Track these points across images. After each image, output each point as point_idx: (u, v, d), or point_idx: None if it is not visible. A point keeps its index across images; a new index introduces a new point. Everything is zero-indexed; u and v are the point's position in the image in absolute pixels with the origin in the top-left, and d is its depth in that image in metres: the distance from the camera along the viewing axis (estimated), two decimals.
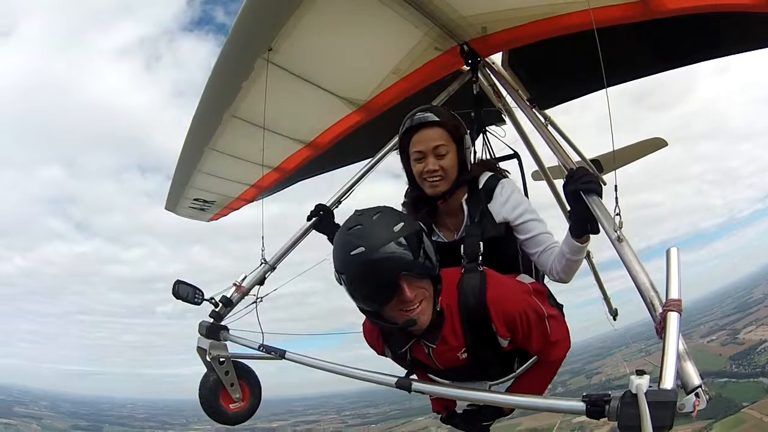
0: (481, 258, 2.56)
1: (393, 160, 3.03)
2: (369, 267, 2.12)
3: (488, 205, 2.78)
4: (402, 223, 2.19)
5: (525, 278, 2.81)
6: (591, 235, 2.49)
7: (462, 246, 2.65)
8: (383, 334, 2.67)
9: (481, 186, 2.84)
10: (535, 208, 2.84)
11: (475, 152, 3.42)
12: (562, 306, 3.07)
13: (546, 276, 2.89)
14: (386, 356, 2.77)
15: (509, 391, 2.76)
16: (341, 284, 2.27)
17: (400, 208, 3.02)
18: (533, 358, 2.71)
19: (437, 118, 2.68)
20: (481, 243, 2.62)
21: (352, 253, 2.13)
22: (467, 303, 2.40)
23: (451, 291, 2.43)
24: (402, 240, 2.14)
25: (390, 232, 2.14)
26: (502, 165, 3.60)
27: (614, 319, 6.71)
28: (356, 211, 2.36)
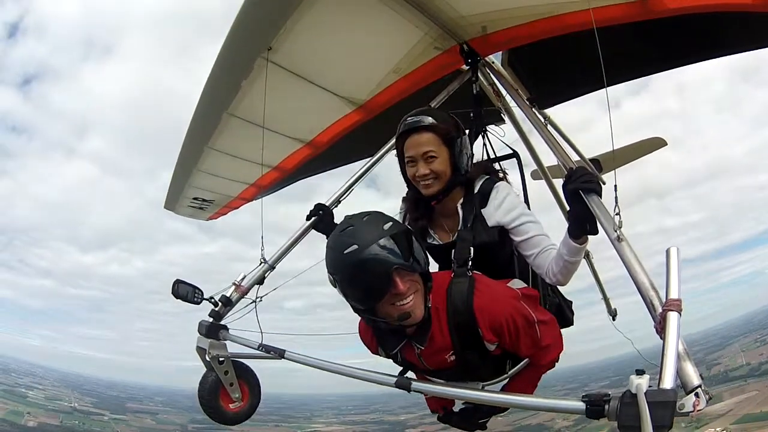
0: (471, 263, 2.59)
1: (392, 160, 3.03)
2: (363, 263, 2.21)
3: (483, 209, 2.79)
4: (390, 223, 2.31)
5: (517, 283, 2.81)
6: (589, 237, 2.48)
7: (453, 250, 2.68)
8: (376, 335, 2.69)
9: (476, 190, 2.85)
10: (532, 210, 2.84)
11: (472, 154, 3.42)
12: (570, 303, 3.09)
13: (544, 278, 2.88)
14: (380, 355, 2.79)
15: (502, 390, 2.78)
16: (335, 286, 2.36)
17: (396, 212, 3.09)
18: (525, 360, 2.72)
19: (428, 122, 2.69)
20: (472, 248, 2.64)
21: (345, 251, 2.23)
22: (454, 307, 2.43)
23: (441, 294, 2.47)
24: (393, 237, 2.25)
25: (380, 229, 2.26)
26: (502, 164, 3.62)
27: (613, 320, 6.72)
28: (346, 216, 2.46)
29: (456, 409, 3.08)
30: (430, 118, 2.71)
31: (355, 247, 2.21)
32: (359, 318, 2.60)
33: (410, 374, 2.68)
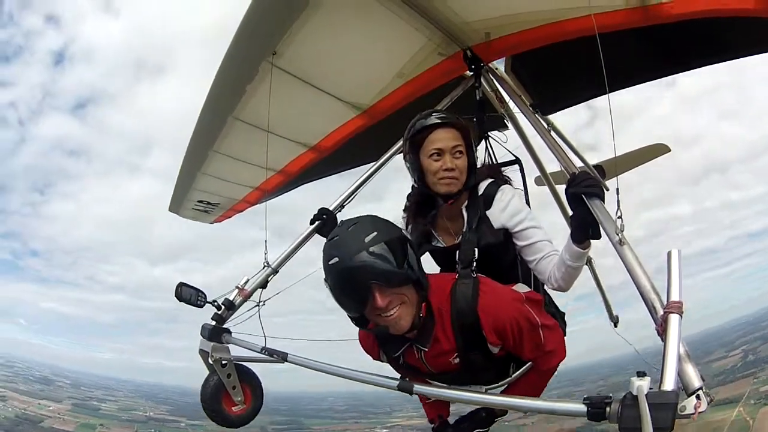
0: (475, 264, 2.57)
1: (396, 165, 3.04)
2: (342, 276, 2.24)
3: (487, 211, 2.78)
4: (375, 233, 2.24)
5: (521, 287, 2.80)
6: (592, 242, 2.48)
7: (457, 252, 2.67)
8: (378, 339, 2.68)
9: (481, 192, 2.84)
10: (536, 215, 2.83)
11: (476, 159, 3.43)
12: (563, 314, 3.07)
13: (545, 284, 2.86)
14: (382, 361, 2.77)
15: (496, 394, 2.73)
16: (328, 290, 2.37)
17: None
18: (528, 364, 2.70)
19: (456, 120, 2.72)
20: (476, 249, 2.63)
21: (329, 263, 2.25)
22: (459, 309, 2.42)
23: (445, 296, 2.46)
24: (374, 249, 2.20)
25: (361, 242, 2.21)
26: (505, 171, 3.63)
27: (615, 326, 6.68)
28: (340, 221, 2.47)
29: (451, 420, 3.06)
30: (451, 117, 2.73)
31: (336, 259, 2.22)
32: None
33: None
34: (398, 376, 2.70)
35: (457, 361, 2.51)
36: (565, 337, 2.99)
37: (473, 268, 2.56)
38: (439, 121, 2.70)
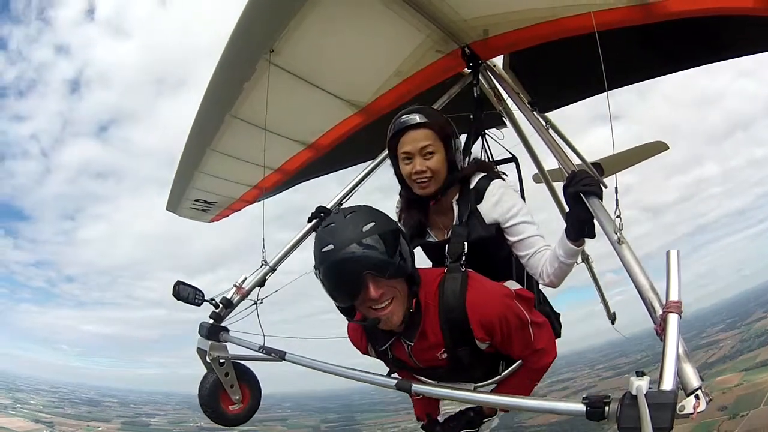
0: (464, 258, 2.56)
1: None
2: (336, 264, 2.20)
3: (478, 205, 2.76)
4: (372, 223, 2.23)
5: (512, 284, 2.78)
6: (586, 239, 2.47)
7: (446, 246, 2.66)
8: (366, 332, 2.67)
9: (472, 186, 2.82)
10: (530, 210, 2.81)
11: (469, 153, 3.41)
12: (558, 315, 3.07)
13: (537, 279, 2.84)
14: (370, 355, 2.78)
15: (494, 392, 2.73)
16: (318, 279, 2.34)
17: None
18: (518, 362, 2.69)
19: (423, 119, 2.67)
20: (466, 243, 2.62)
21: (323, 250, 2.22)
22: (447, 303, 2.40)
23: (433, 290, 2.45)
24: (369, 240, 2.19)
25: (358, 231, 2.20)
26: (503, 168, 3.61)
27: (612, 323, 6.73)
28: (335, 208, 2.46)
29: (440, 419, 3.06)
30: (424, 115, 2.68)
31: (331, 246, 2.19)
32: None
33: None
34: (397, 375, 2.70)
35: (444, 356, 2.50)
36: (559, 338, 2.99)
37: (462, 262, 2.54)
38: (404, 124, 2.68)
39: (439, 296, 2.43)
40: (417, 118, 2.67)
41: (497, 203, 2.73)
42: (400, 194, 3.04)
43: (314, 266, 2.32)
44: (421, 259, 2.93)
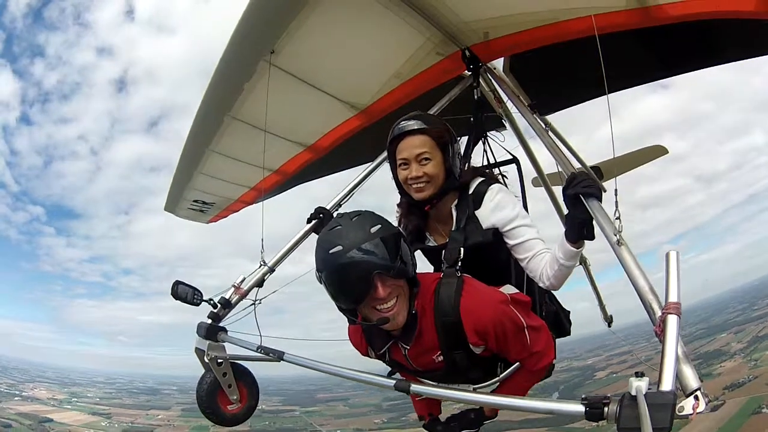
0: (461, 264, 2.57)
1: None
2: (345, 265, 2.21)
3: (477, 210, 2.76)
4: (379, 225, 2.28)
5: (509, 289, 2.76)
6: (586, 241, 2.47)
7: (443, 251, 2.67)
8: (365, 335, 2.68)
9: (471, 191, 2.82)
10: (528, 214, 2.81)
11: (470, 158, 3.42)
12: (568, 312, 3.07)
13: (537, 283, 2.85)
14: (370, 357, 2.78)
15: (493, 394, 2.73)
16: (321, 283, 2.34)
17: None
18: (516, 364, 2.70)
19: (421, 126, 2.68)
20: (462, 249, 2.63)
21: (330, 251, 2.24)
22: (441, 308, 2.41)
23: (429, 294, 2.46)
24: (378, 241, 2.22)
25: (366, 232, 2.24)
26: (503, 170, 3.62)
27: (609, 326, 6.74)
28: (338, 213, 2.51)
29: (442, 418, 3.07)
30: (422, 121, 2.69)
31: (339, 248, 2.21)
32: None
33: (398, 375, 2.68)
34: (398, 376, 2.69)
35: (441, 359, 2.51)
36: (569, 336, 3.00)
37: (458, 267, 2.56)
38: (402, 131, 2.70)
39: (434, 301, 2.44)
40: (415, 124, 2.69)
41: (495, 208, 2.73)
42: (398, 204, 3.05)
43: (317, 269, 2.33)
44: (423, 264, 2.96)
